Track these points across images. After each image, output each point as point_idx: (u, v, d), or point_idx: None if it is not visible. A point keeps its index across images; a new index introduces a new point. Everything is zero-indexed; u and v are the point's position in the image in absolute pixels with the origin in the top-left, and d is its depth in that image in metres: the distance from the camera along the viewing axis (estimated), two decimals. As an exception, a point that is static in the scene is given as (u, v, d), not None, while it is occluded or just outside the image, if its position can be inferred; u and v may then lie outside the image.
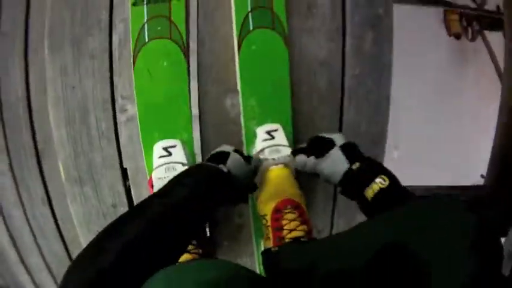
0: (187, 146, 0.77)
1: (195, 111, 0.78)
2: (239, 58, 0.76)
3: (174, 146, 0.76)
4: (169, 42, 0.77)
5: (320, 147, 0.70)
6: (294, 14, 0.82)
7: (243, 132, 0.79)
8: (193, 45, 0.79)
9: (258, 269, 0.90)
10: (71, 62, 0.87)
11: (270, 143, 0.75)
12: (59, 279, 1.38)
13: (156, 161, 0.76)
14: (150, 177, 0.76)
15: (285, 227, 0.70)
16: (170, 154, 0.76)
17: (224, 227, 0.86)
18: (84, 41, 0.86)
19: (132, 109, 0.80)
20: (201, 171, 0.64)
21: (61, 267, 1.33)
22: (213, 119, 0.81)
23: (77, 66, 0.86)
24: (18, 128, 1.17)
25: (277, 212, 0.71)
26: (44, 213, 1.23)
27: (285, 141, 0.75)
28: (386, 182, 0.61)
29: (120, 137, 0.83)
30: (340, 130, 0.86)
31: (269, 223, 0.72)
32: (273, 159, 0.75)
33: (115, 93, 0.83)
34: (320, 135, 0.72)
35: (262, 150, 0.75)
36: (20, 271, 1.49)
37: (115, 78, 0.83)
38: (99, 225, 0.91)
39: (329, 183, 0.70)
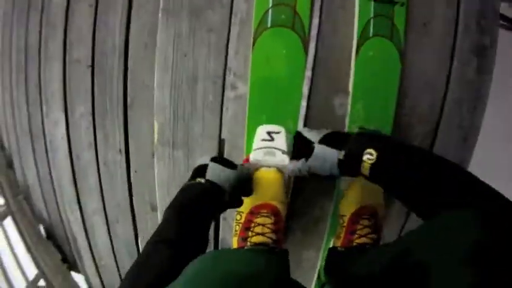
0: (290, 134, 0.85)
1: (303, 103, 0.86)
2: (356, 61, 0.83)
3: (278, 132, 0.84)
4: (291, 32, 0.84)
5: (304, 148, 0.75)
6: (411, 28, 0.87)
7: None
8: (313, 40, 0.85)
9: (319, 265, 0.98)
10: (186, 31, 0.96)
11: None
12: (113, 226, 1.52)
13: (258, 143, 0.84)
14: (247, 157, 0.85)
15: (357, 232, 0.78)
16: (272, 139, 0.84)
17: (302, 216, 0.94)
18: (204, 13, 0.94)
19: (243, 88, 0.88)
20: (179, 201, 0.70)
21: (120, 216, 1.46)
22: (319, 114, 0.88)
23: (192, 36, 0.95)
24: (108, 76, 1.28)
25: (357, 216, 0.79)
26: (117, 162, 1.35)
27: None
28: (374, 156, 0.63)
29: (224, 112, 0.91)
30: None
31: (345, 224, 0.80)
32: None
33: (227, 69, 0.91)
34: (303, 136, 0.77)
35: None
36: (73, 209, 1.64)
37: (230, 54, 0.91)
38: (179, 183, 1.00)
39: (332, 178, 0.76)
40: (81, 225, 1.66)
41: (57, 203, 1.90)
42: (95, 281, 1.85)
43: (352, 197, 0.82)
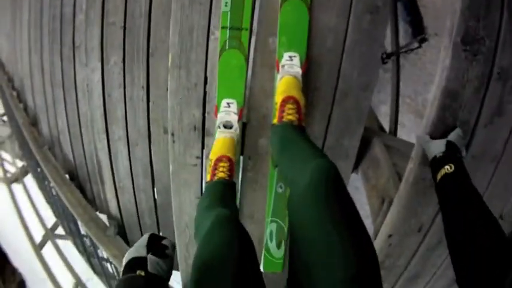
0: (239, 103, 1.67)
1: (246, 88, 1.68)
2: (280, 13, 1.59)
3: (232, 103, 1.67)
4: (238, 52, 1.66)
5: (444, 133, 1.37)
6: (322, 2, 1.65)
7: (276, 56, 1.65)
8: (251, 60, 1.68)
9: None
10: (187, 3, 1.76)
11: (290, 63, 1.63)
12: (134, 152, 2.36)
13: (222, 108, 1.66)
14: (216, 109, 1.67)
15: (285, 111, 1.54)
16: (229, 106, 1.66)
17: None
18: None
19: (217, 34, 1.70)
20: None
21: (140, 139, 2.32)
22: (261, 51, 1.69)
23: (191, 6, 1.76)
24: (136, 34, 2.15)
25: (284, 101, 1.56)
26: (140, 96, 2.21)
27: (298, 64, 1.63)
28: (452, 169, 1.14)
29: (209, 46, 1.73)
30: (338, 76, 1.69)
31: (278, 106, 1.55)
32: (288, 71, 1.59)
33: (210, 25, 1.72)
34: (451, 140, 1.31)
35: (283, 66, 1.62)
36: (101, 138, 2.49)
37: (213, 18, 1.72)
38: (183, 95, 1.80)
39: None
40: (107, 152, 2.52)
41: (82, 144, 2.78)
42: (113, 203, 2.70)
43: (280, 89, 1.54)
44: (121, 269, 0.98)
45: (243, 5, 1.63)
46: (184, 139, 1.80)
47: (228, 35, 1.65)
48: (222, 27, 1.64)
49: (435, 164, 1.23)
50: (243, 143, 1.76)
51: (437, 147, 1.29)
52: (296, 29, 1.61)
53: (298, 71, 1.57)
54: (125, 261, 0.98)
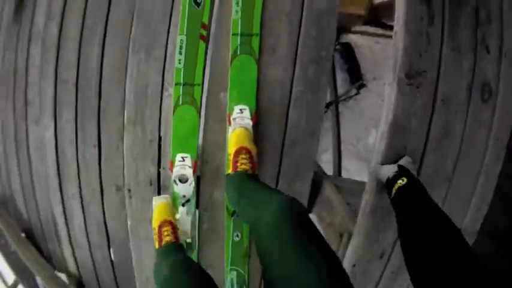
0: (193, 156, 1.74)
1: (199, 142, 1.76)
2: (230, 68, 1.70)
3: (187, 157, 1.73)
4: (192, 107, 1.74)
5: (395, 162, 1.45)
6: (264, 50, 1.76)
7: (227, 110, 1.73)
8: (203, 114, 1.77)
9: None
10: (143, 59, 1.83)
11: (241, 115, 1.70)
12: (88, 210, 2.35)
13: (176, 163, 1.72)
14: (171, 164, 1.73)
15: (239, 162, 1.62)
16: (184, 160, 1.72)
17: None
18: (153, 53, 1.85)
19: (171, 90, 1.78)
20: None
21: (93, 196, 2.31)
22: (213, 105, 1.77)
23: (147, 63, 1.83)
24: (88, 91, 2.18)
25: (237, 152, 1.62)
26: (92, 154, 2.23)
27: (249, 116, 1.70)
28: (405, 181, 1.26)
29: (163, 102, 1.79)
30: (286, 125, 1.78)
31: (231, 158, 1.62)
32: (239, 124, 1.68)
33: (164, 82, 1.79)
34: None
35: (234, 119, 1.69)
36: (56, 196, 2.47)
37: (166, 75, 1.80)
38: (138, 151, 1.84)
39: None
40: (61, 210, 2.49)
41: (36, 202, 2.75)
42: (70, 261, 2.66)
43: (233, 141, 1.61)
44: None
45: (195, 61, 1.72)
46: (141, 194, 1.84)
47: (181, 91, 1.73)
48: (176, 84, 1.73)
49: (389, 183, 1.32)
50: (198, 196, 1.81)
51: (390, 170, 1.39)
52: (245, 82, 1.72)
53: (249, 122, 1.67)
54: None
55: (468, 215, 1.84)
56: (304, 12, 1.75)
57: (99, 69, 2.15)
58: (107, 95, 2.15)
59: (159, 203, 1.74)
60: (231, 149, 1.59)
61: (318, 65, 1.75)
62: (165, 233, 1.61)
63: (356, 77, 3.86)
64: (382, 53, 3.71)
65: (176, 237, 1.63)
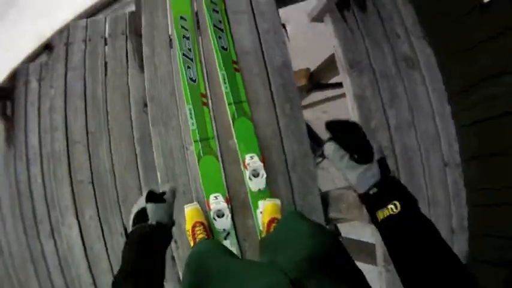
0: (223, 194, 2.17)
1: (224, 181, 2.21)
2: (233, 127, 2.23)
3: (218, 195, 2.14)
4: (211, 156, 2.22)
5: (359, 150, 0.92)
6: (253, 108, 2.32)
7: (240, 158, 2.22)
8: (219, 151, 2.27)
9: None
10: (164, 131, 2.29)
11: (252, 161, 2.20)
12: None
13: (211, 201, 2.17)
14: (208, 204, 2.14)
15: (271, 228, 2.03)
16: (217, 198, 2.13)
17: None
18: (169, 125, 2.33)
19: (191, 147, 2.24)
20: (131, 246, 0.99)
21: None
22: (225, 149, 2.24)
23: (166, 133, 2.29)
24: (105, 187, 2.56)
25: (270, 221, 1.96)
26: (120, 243, 2.54)
27: (258, 161, 2.22)
28: (397, 210, 0.82)
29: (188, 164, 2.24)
30: (284, 153, 2.32)
31: (265, 226, 1.99)
32: (253, 167, 2.18)
33: (185, 148, 2.26)
34: (362, 135, 0.95)
35: (248, 164, 2.13)
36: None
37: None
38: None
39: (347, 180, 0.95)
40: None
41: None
42: None
43: (266, 213, 2.03)
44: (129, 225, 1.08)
45: (205, 121, 2.23)
46: (185, 243, 2.19)
47: (200, 146, 2.19)
48: (194, 141, 2.20)
49: (370, 200, 0.91)
50: (236, 228, 2.19)
51: (367, 176, 0.91)
52: (248, 137, 2.24)
53: (260, 164, 2.13)
54: (131, 216, 1.08)
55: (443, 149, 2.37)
56: (268, 70, 2.38)
57: (111, 167, 2.58)
58: (123, 187, 2.55)
59: (189, 209, 2.07)
60: (265, 219, 2.00)
61: (291, 103, 2.33)
62: (198, 232, 1.89)
63: (318, 145, 4.14)
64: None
65: (208, 234, 1.91)
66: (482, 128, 2.18)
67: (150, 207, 1.08)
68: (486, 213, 2.25)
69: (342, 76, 2.26)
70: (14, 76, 3.16)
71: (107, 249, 2.59)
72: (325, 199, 2.22)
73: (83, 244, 2.63)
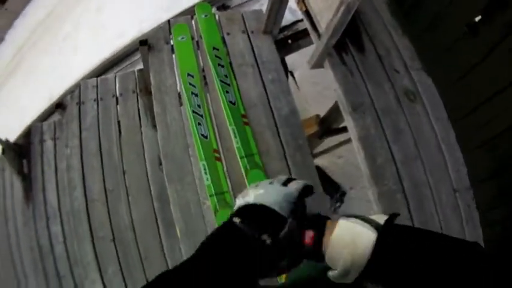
0: None
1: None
2: (246, 178, 2.37)
3: None
4: (227, 209, 2.33)
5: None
6: (265, 162, 2.47)
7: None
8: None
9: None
10: (180, 188, 2.45)
11: None
12: None
13: None
14: None
15: None
16: None
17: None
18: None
19: (208, 203, 2.39)
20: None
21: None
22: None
23: (183, 190, 2.44)
24: (126, 244, 2.71)
25: None
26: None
27: None
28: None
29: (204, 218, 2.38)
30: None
31: None
32: None
33: (201, 202, 2.41)
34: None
35: None
36: None
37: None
38: None
39: None
40: None
41: None
42: None
43: None
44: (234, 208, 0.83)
45: (219, 176, 2.37)
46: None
47: (216, 200, 2.33)
48: (210, 196, 2.34)
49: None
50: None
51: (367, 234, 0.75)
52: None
53: None
54: (250, 199, 0.85)
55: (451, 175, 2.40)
56: (276, 120, 2.53)
57: (131, 223, 2.73)
58: (144, 244, 2.69)
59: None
60: None
61: (301, 151, 2.47)
62: None
63: (335, 190, 4.26)
64: (347, 164, 4.20)
65: None
66: (492, 146, 2.25)
67: (292, 225, 0.81)
68: (502, 232, 2.28)
69: (346, 119, 2.37)
70: (28, 134, 3.34)
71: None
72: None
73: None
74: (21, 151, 3.30)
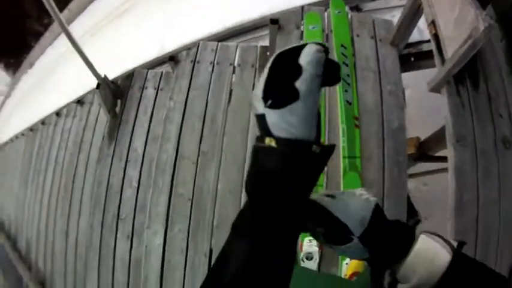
0: None
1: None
2: (343, 180, 2.48)
3: (313, 239, 2.39)
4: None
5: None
6: (365, 166, 2.56)
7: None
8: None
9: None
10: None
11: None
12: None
13: (305, 244, 2.38)
14: (301, 246, 2.37)
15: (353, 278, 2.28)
16: (311, 242, 2.36)
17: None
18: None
19: None
20: None
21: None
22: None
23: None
24: (203, 207, 2.82)
25: (352, 274, 2.27)
26: (201, 262, 2.76)
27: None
28: None
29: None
30: None
31: (347, 276, 2.27)
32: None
33: None
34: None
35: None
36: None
37: None
38: None
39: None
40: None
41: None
42: None
43: (351, 266, 2.24)
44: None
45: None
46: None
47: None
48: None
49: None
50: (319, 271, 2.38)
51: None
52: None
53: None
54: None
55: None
56: (384, 130, 2.60)
57: (215, 190, 2.83)
58: (221, 212, 2.77)
59: None
60: (348, 271, 2.26)
61: (399, 167, 2.55)
62: None
63: (411, 215, 4.21)
64: (430, 194, 4.23)
65: None
66: None
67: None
68: None
69: (448, 147, 2.43)
70: (129, 77, 3.54)
71: (186, 263, 2.81)
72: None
73: (163, 253, 2.85)
74: (118, 91, 3.50)
